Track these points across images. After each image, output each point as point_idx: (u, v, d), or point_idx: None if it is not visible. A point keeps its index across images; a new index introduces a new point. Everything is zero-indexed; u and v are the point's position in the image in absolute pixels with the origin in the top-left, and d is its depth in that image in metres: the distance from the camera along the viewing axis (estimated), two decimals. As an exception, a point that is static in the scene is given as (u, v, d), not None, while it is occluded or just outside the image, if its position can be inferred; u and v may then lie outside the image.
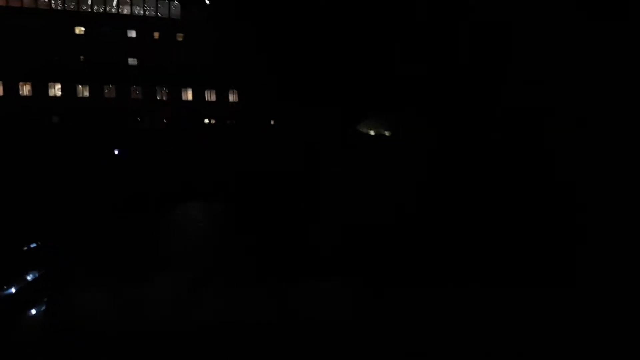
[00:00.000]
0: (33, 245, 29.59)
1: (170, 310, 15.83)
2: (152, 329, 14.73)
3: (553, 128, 54.61)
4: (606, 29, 55.22)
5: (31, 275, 23.29)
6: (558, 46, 56.60)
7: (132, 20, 52.21)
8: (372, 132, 63.80)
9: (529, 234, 29.23)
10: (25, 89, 48.59)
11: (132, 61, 52.28)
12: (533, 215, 34.92)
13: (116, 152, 50.73)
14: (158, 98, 52.84)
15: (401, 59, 59.28)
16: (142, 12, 52.46)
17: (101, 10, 51.07)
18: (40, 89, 48.79)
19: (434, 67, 59.01)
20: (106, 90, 50.93)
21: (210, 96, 54.91)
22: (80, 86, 50.04)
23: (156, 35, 53.11)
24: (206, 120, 55.10)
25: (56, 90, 49.56)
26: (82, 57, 50.41)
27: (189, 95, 54.09)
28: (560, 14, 57.28)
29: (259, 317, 15.56)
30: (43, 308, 18.64)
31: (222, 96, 55.37)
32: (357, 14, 58.82)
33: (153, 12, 52.91)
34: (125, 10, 52.09)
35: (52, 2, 49.19)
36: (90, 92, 50.33)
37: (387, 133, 62.98)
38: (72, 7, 49.84)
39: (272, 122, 57.99)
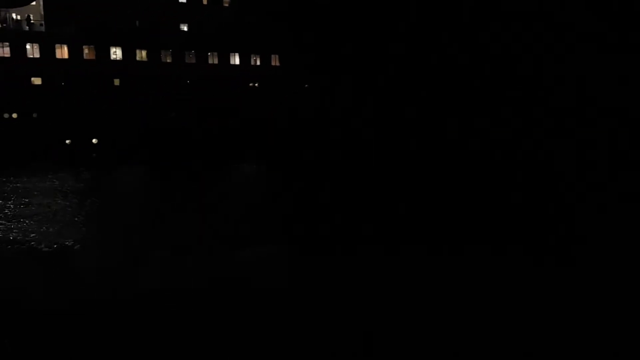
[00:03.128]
0: None
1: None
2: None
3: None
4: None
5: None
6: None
7: (182, -14, 54.06)
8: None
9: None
10: (88, 53, 50.05)
11: (183, 27, 54.30)
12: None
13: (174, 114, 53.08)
14: (209, 62, 55.09)
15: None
16: (191, -22, 54.30)
17: (154, -25, 52.69)
18: (102, 53, 50.33)
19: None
20: (162, 55, 52.88)
21: (255, 61, 57.54)
22: (138, 51, 51.76)
23: (205, 1, 55.12)
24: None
25: (117, 54, 51.16)
26: (137, 22, 52.01)
27: (236, 59, 56.56)
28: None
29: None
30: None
31: (265, 61, 58.08)
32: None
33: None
34: (176, -24, 53.83)
35: (109, -33, 50.49)
36: (147, 56, 52.17)
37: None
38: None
39: (306, 86, 61.07)
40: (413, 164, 48.85)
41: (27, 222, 24.61)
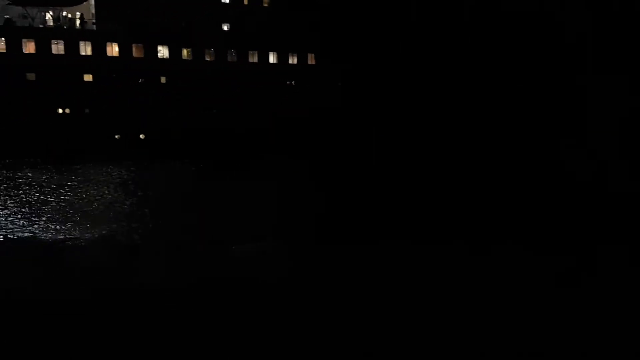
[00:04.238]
0: None
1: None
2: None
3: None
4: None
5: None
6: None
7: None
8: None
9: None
10: (137, 51, 51.77)
11: (225, 26, 56.07)
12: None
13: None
14: (250, 61, 56.88)
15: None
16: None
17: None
18: (149, 51, 52.06)
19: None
20: (206, 54, 54.67)
21: (292, 59, 59.33)
22: (184, 50, 53.53)
23: (245, 1, 56.86)
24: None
25: (163, 52, 52.91)
26: (182, 21, 53.70)
27: (274, 58, 58.34)
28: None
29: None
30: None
31: (302, 59, 59.85)
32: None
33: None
34: (218, -23, 55.51)
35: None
36: (192, 55, 53.94)
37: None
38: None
39: (339, 84, 62.86)
40: (416, 163, 50.21)
41: (40, 213, 25.95)
